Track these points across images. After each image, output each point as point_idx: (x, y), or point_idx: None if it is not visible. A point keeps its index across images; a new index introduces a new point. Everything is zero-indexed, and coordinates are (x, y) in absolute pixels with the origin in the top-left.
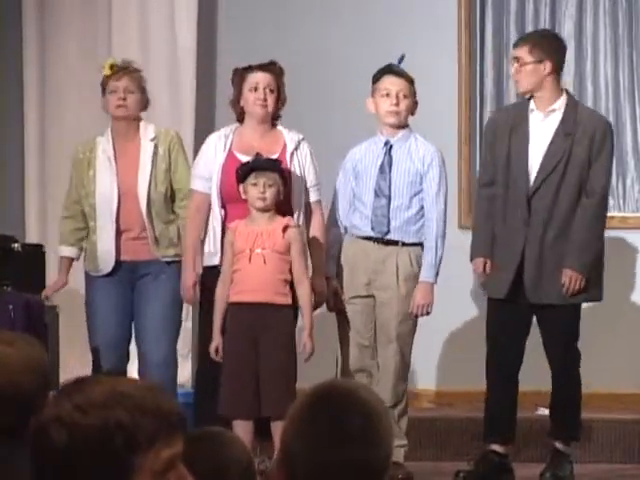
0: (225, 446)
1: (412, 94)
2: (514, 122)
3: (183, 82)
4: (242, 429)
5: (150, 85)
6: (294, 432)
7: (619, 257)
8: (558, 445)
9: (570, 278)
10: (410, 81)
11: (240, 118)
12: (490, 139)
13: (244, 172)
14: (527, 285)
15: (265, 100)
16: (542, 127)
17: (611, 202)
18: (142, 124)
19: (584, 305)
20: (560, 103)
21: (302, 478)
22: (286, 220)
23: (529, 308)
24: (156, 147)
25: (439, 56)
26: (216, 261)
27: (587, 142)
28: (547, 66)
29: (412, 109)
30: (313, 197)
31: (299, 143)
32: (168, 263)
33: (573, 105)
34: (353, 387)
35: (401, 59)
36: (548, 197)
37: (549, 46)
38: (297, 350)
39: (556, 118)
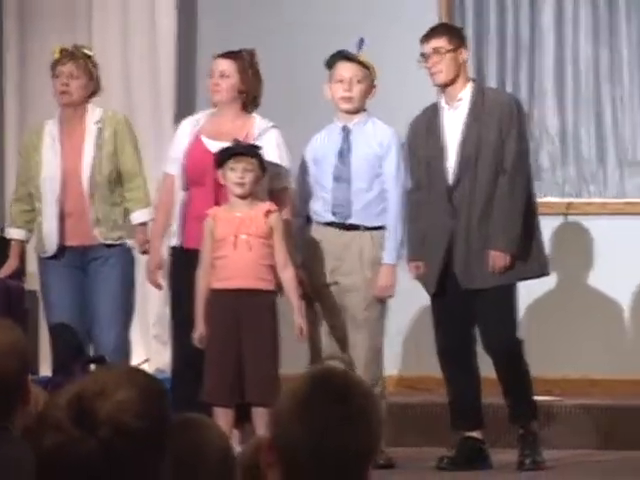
0: (203, 432)
1: (367, 79)
2: (429, 123)
3: (163, 68)
4: (223, 416)
5: (130, 71)
6: (293, 417)
7: (600, 243)
8: (524, 430)
9: (494, 258)
10: (365, 66)
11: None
12: (412, 146)
13: (223, 157)
14: (458, 273)
15: (217, 85)
16: (453, 119)
17: (592, 188)
18: (90, 107)
19: (565, 289)
20: (466, 92)
21: (303, 463)
22: (267, 205)
23: (468, 296)
24: (100, 130)
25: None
26: (174, 242)
27: (496, 123)
28: (463, 53)
29: (367, 93)
30: (277, 185)
31: (266, 130)
32: (113, 246)
33: (479, 91)
34: (347, 370)
35: (360, 44)
36: (467, 185)
37: (460, 34)
38: (291, 333)
39: (464, 107)
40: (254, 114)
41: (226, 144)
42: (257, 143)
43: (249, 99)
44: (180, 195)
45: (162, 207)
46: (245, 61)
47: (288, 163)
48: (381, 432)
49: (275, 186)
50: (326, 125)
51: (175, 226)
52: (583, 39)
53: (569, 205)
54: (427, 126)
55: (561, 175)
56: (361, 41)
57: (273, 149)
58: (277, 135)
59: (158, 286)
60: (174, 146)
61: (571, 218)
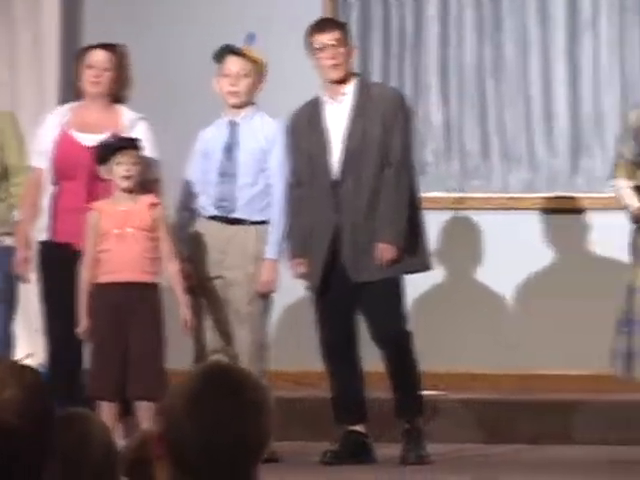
0: (86, 427)
1: (254, 73)
2: (310, 117)
3: (46, 67)
4: (107, 410)
5: (13, 69)
6: (184, 412)
7: (484, 237)
8: (409, 424)
9: (382, 250)
10: (253, 60)
11: (80, 96)
12: (292, 140)
13: (106, 152)
14: (346, 266)
15: (98, 77)
16: (337, 114)
17: (476, 183)
18: None
19: (450, 284)
20: (351, 86)
21: (194, 458)
22: (151, 198)
23: (355, 289)
24: None
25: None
26: (44, 236)
27: (380, 117)
28: (353, 49)
29: (255, 88)
30: (149, 176)
31: (135, 122)
32: None
33: (364, 86)
34: (236, 364)
35: (250, 39)
36: (352, 180)
37: (348, 31)
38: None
39: (348, 102)
40: (121, 106)
41: (96, 136)
42: (129, 135)
43: (120, 92)
44: (49, 189)
45: (28, 201)
46: (119, 55)
47: (156, 155)
48: (272, 426)
49: (147, 177)
50: (206, 119)
51: (44, 220)
52: (467, 35)
53: (453, 200)
54: (309, 120)
55: (445, 170)
56: (251, 36)
57: (144, 141)
58: (146, 127)
59: (26, 280)
60: (40, 139)
61: (455, 213)
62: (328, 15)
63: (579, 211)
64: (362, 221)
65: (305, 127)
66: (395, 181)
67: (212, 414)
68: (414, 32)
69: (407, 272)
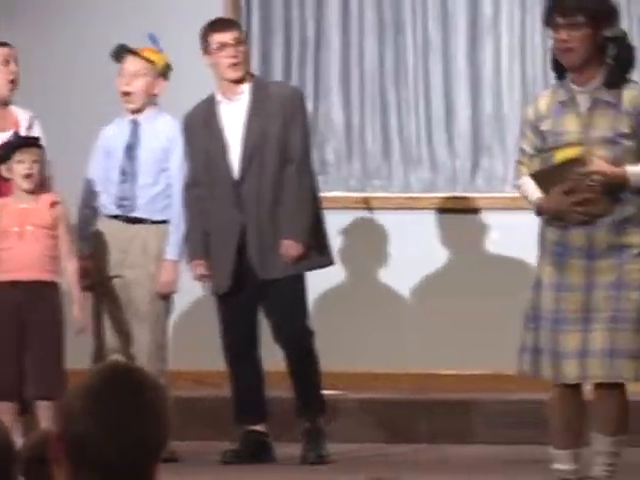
0: None
1: (152, 73)
2: (206, 117)
3: None
4: (6, 409)
5: None
6: (84, 412)
7: (385, 237)
8: (310, 424)
9: (287, 247)
10: (148, 60)
11: None
12: (188, 140)
13: (7, 151)
14: (254, 265)
15: (15, 74)
16: (233, 113)
17: (377, 183)
18: None
19: (351, 283)
20: (247, 86)
21: (94, 458)
22: (52, 196)
23: (260, 289)
24: None
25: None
26: None
27: (279, 115)
28: (248, 48)
29: (152, 88)
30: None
31: (32, 120)
32: None
33: (261, 85)
34: (135, 364)
35: (153, 39)
36: (254, 178)
37: (245, 32)
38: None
39: (245, 100)
40: (11, 106)
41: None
42: (30, 134)
43: (14, 91)
44: None
45: None
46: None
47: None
48: (170, 425)
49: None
50: (107, 117)
51: None
52: (369, 37)
53: (355, 199)
54: (204, 120)
55: (346, 170)
56: (153, 37)
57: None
58: (39, 125)
59: None
60: None
61: (357, 212)
62: (230, 16)
63: (478, 211)
64: (266, 219)
65: (201, 126)
66: (297, 178)
67: (111, 414)
68: (315, 34)
69: (312, 268)
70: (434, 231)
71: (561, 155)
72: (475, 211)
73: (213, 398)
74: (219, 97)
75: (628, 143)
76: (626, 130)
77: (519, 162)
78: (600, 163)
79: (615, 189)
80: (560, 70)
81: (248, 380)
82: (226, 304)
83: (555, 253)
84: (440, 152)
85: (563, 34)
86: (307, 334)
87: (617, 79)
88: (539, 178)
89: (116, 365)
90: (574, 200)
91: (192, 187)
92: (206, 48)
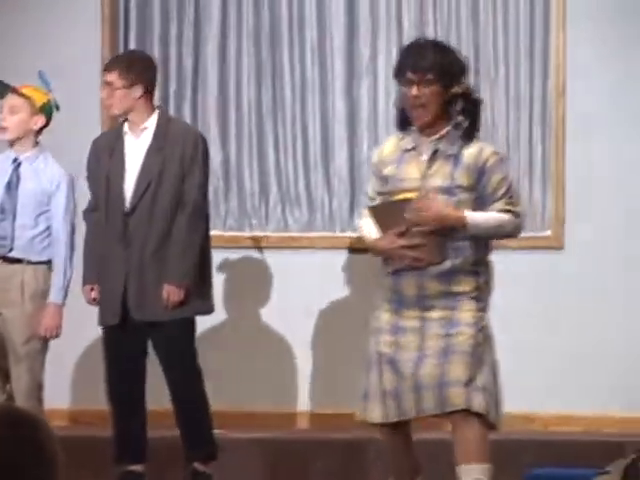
0: None
1: (26, 110)
2: (112, 145)
3: None
4: None
5: None
6: None
7: (261, 276)
8: (198, 466)
9: (168, 292)
10: (24, 96)
11: None
12: (92, 164)
13: None
14: (131, 304)
15: None
16: (136, 147)
17: (254, 222)
18: None
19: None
20: (151, 121)
21: None
22: None
23: (144, 327)
24: None
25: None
26: None
27: (179, 156)
28: (138, 90)
29: (27, 125)
30: None
31: None
32: None
33: (165, 121)
34: (14, 404)
35: (42, 77)
36: (144, 214)
37: (139, 69)
38: None
39: (148, 136)
40: None
41: None
42: None
43: None
44: None
45: None
46: None
47: None
48: (57, 463)
49: None
50: None
51: None
52: (245, 78)
53: (228, 238)
54: (109, 146)
55: (224, 208)
56: (42, 74)
57: None
58: None
59: None
60: None
61: (233, 251)
62: (106, 53)
63: (358, 250)
64: (149, 259)
65: (105, 152)
66: (189, 222)
67: (18, 456)
68: (193, 72)
69: (192, 314)
70: (313, 270)
71: (400, 196)
72: (354, 251)
73: (90, 437)
74: (125, 128)
75: (464, 195)
76: (464, 183)
77: (366, 207)
78: (440, 200)
79: (451, 232)
80: (404, 123)
81: (129, 419)
82: (112, 337)
83: (392, 300)
84: (318, 192)
85: (414, 90)
86: (194, 375)
87: (464, 133)
88: (377, 213)
89: (11, 407)
90: (404, 244)
91: (92, 211)
92: None
